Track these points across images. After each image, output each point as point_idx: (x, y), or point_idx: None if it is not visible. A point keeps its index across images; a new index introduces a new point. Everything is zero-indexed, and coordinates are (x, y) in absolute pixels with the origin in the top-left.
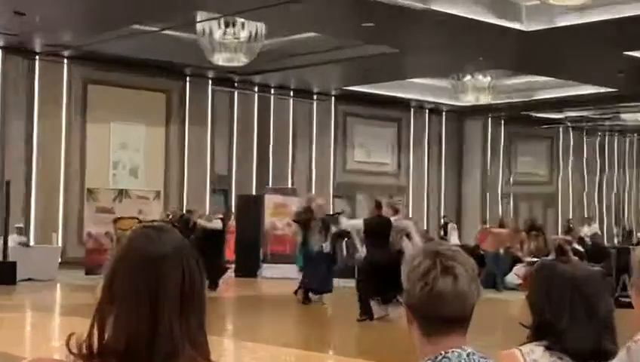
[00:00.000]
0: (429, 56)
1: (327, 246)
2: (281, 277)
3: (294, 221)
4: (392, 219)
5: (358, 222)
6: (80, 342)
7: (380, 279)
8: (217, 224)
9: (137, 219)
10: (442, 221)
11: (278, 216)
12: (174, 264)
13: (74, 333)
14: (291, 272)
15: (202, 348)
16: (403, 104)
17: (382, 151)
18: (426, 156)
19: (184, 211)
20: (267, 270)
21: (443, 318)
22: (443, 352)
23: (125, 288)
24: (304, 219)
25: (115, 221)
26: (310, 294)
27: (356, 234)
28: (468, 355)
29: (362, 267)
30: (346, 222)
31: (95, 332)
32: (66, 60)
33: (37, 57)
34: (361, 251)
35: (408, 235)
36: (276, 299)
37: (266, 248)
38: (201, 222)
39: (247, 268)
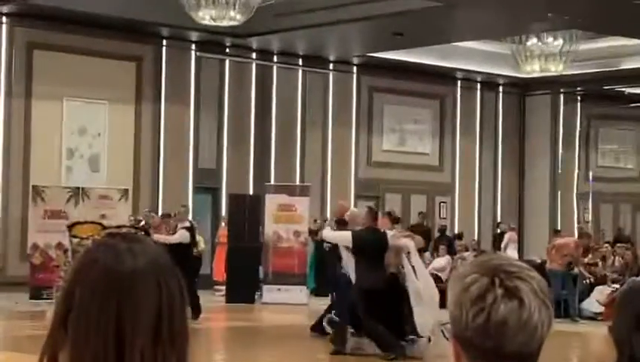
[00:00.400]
0: (482, 12)
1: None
2: (286, 302)
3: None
4: (389, 234)
5: (346, 236)
6: None
7: (378, 309)
8: (182, 236)
9: (100, 224)
10: (497, 230)
11: (284, 222)
12: (149, 283)
13: None
14: (300, 296)
15: None
16: (447, 76)
17: (419, 138)
18: (477, 144)
19: (157, 215)
20: (268, 293)
21: (503, 354)
22: None
23: (84, 314)
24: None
25: (71, 227)
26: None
27: (343, 250)
28: None
29: (355, 295)
30: (328, 234)
31: None
32: (4, 18)
33: None
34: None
35: (408, 254)
36: (279, 330)
37: (267, 265)
38: (156, 236)
39: (242, 290)
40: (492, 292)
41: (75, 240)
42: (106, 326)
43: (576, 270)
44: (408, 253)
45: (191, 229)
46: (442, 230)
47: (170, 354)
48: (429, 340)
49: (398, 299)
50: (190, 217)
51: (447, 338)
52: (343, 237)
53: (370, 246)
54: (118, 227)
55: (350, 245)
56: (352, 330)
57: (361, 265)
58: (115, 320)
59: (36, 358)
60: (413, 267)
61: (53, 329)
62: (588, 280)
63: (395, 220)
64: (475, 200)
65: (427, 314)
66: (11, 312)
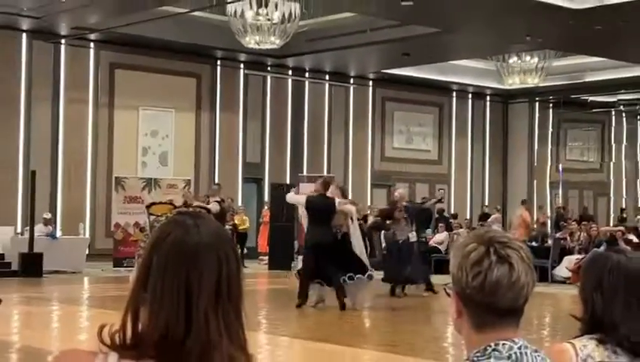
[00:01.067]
0: (472, 36)
1: (413, 236)
2: None
3: (379, 216)
4: (337, 201)
5: (301, 198)
6: (112, 333)
7: (322, 260)
8: (213, 206)
9: (172, 204)
10: (485, 209)
11: None
12: (211, 254)
13: (105, 324)
14: None
15: (239, 340)
16: (445, 88)
17: (422, 138)
18: (469, 142)
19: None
20: (301, 262)
21: (497, 309)
22: (493, 344)
23: (160, 278)
24: (387, 211)
25: (148, 207)
26: (397, 290)
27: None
28: (519, 348)
29: (304, 248)
30: (289, 197)
31: (129, 323)
32: (92, 44)
33: (62, 41)
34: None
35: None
36: None
37: (300, 239)
38: (196, 202)
39: (281, 260)
40: (488, 258)
41: (152, 217)
42: (177, 288)
43: (550, 242)
44: (351, 218)
45: (221, 203)
46: (440, 211)
47: (229, 310)
48: (370, 278)
49: (343, 249)
50: (240, 203)
51: (449, 295)
52: (299, 200)
53: (320, 209)
54: (187, 206)
55: (304, 206)
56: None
57: (311, 223)
58: (184, 283)
59: (119, 314)
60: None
61: (135, 289)
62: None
63: (343, 193)
64: (468, 188)
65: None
66: (98, 277)
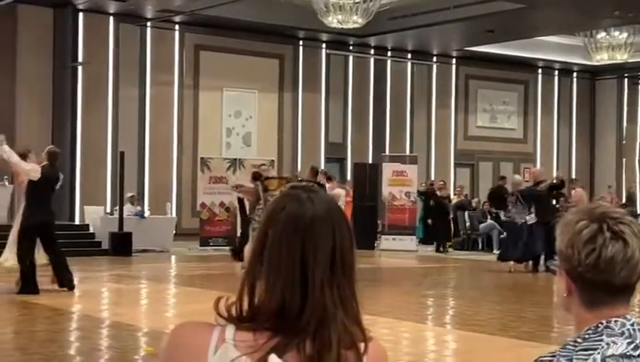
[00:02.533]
0: (559, 11)
1: (531, 218)
2: (400, 249)
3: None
4: (327, 186)
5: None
6: (229, 305)
7: None
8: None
9: (286, 178)
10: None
11: (397, 185)
12: (325, 226)
13: (222, 297)
14: (410, 244)
15: (354, 312)
16: (530, 65)
17: (507, 116)
18: (555, 121)
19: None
20: (385, 241)
21: (610, 286)
22: (604, 321)
23: (276, 251)
24: (498, 195)
25: (262, 181)
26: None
27: None
28: (632, 325)
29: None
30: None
31: (245, 295)
32: (177, 26)
33: (148, 24)
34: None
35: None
36: (394, 271)
37: (383, 219)
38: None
39: (365, 240)
40: (602, 235)
41: (266, 191)
42: (293, 259)
43: None
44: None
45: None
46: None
47: (343, 280)
48: None
49: None
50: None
51: (554, 273)
52: None
53: None
54: (300, 180)
55: None
56: None
57: None
58: (300, 255)
59: (205, 291)
60: None
61: (252, 263)
62: None
63: (328, 177)
64: (554, 166)
65: None
66: (185, 256)
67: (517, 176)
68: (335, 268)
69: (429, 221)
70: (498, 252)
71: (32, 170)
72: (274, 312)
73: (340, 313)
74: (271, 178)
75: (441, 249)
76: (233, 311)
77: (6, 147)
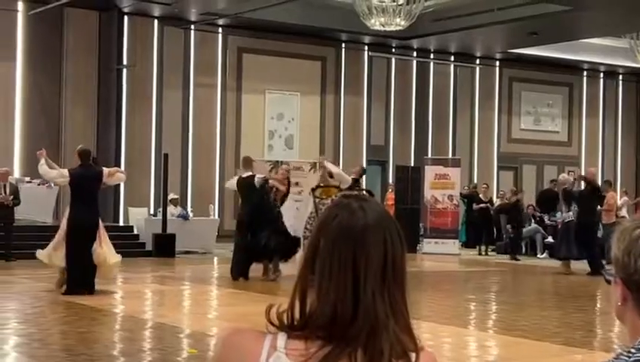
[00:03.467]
0: (604, 14)
1: (569, 216)
2: (442, 252)
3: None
4: (257, 177)
5: (232, 182)
6: (280, 313)
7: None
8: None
9: (337, 187)
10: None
11: (439, 188)
12: (377, 235)
13: (273, 305)
14: (453, 248)
15: (405, 321)
16: (574, 67)
17: (551, 119)
18: (600, 124)
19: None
20: (427, 245)
21: None
22: None
23: (327, 260)
24: (548, 197)
25: (314, 189)
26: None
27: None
28: None
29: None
30: (228, 184)
31: (297, 303)
32: (220, 29)
33: (192, 27)
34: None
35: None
36: (436, 275)
37: (426, 222)
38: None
39: (407, 242)
40: None
41: (317, 200)
42: (345, 268)
43: None
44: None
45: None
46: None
47: (394, 291)
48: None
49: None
50: (364, 185)
51: (609, 282)
52: (232, 183)
53: (245, 187)
54: (351, 189)
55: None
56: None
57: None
58: (351, 263)
59: (248, 294)
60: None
61: (303, 270)
62: None
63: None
64: (599, 171)
65: None
66: (227, 258)
67: (565, 175)
68: (386, 276)
69: (471, 224)
70: (543, 256)
71: (57, 176)
72: (326, 321)
73: (391, 322)
74: (322, 186)
75: (483, 252)
76: (284, 319)
77: (42, 160)
